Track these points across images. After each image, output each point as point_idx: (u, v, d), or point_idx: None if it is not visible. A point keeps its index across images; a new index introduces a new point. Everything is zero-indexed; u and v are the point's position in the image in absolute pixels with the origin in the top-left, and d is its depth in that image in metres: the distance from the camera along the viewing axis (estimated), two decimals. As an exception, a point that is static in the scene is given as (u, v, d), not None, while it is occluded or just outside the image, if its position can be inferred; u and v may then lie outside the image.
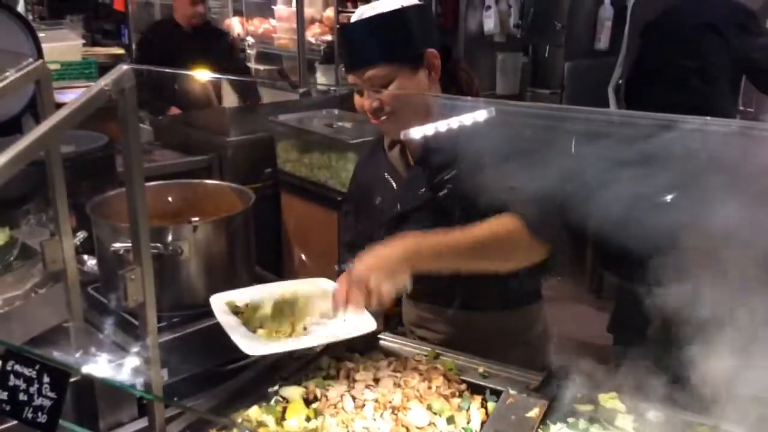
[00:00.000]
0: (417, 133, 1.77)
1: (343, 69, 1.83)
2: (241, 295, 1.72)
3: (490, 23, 4.98)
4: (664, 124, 0.99)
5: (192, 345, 1.82)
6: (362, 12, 1.71)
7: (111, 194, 2.02)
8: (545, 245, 1.61)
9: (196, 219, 1.89)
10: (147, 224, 1.22)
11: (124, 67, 1.20)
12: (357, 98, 1.78)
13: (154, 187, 2.10)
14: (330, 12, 5.88)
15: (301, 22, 4.80)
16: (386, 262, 1.52)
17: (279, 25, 6.31)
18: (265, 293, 1.73)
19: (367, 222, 1.99)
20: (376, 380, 1.57)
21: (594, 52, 4.71)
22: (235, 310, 1.68)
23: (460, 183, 1.73)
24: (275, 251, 3.81)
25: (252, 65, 6.19)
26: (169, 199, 2.15)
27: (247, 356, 1.78)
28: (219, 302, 1.69)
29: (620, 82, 4.55)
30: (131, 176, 1.13)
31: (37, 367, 1.07)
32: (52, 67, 5.17)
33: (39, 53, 3.23)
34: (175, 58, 4.19)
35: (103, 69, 6.02)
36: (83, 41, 6.34)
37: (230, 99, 4.42)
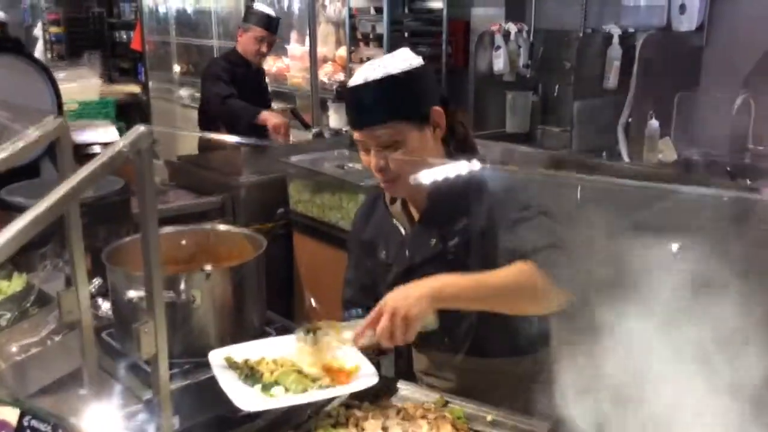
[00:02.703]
0: (421, 188, 1.80)
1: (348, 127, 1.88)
2: (240, 351, 1.77)
3: (499, 63, 5.03)
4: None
5: (203, 392, 1.84)
6: (366, 74, 1.73)
7: (126, 240, 2.05)
8: (565, 293, 1.60)
9: (209, 267, 1.93)
10: (160, 278, 1.26)
11: (141, 128, 1.24)
12: (363, 155, 1.82)
13: (168, 233, 2.14)
14: (343, 51, 5.98)
15: (314, 62, 4.89)
16: (416, 300, 1.59)
17: (292, 64, 6.42)
18: (263, 350, 1.78)
19: (370, 274, 2.02)
20: (385, 429, 1.58)
21: (603, 90, 4.73)
22: (233, 366, 1.72)
23: (465, 238, 1.77)
24: (287, 290, 3.84)
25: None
26: (183, 243, 2.19)
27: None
28: (217, 357, 1.74)
29: (629, 120, 4.60)
30: (147, 235, 1.16)
31: (52, 422, 1.09)
32: (71, 107, 5.29)
33: (58, 98, 3.32)
34: (241, 88, 4.45)
35: (120, 107, 6.16)
36: (101, 81, 6.49)
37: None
